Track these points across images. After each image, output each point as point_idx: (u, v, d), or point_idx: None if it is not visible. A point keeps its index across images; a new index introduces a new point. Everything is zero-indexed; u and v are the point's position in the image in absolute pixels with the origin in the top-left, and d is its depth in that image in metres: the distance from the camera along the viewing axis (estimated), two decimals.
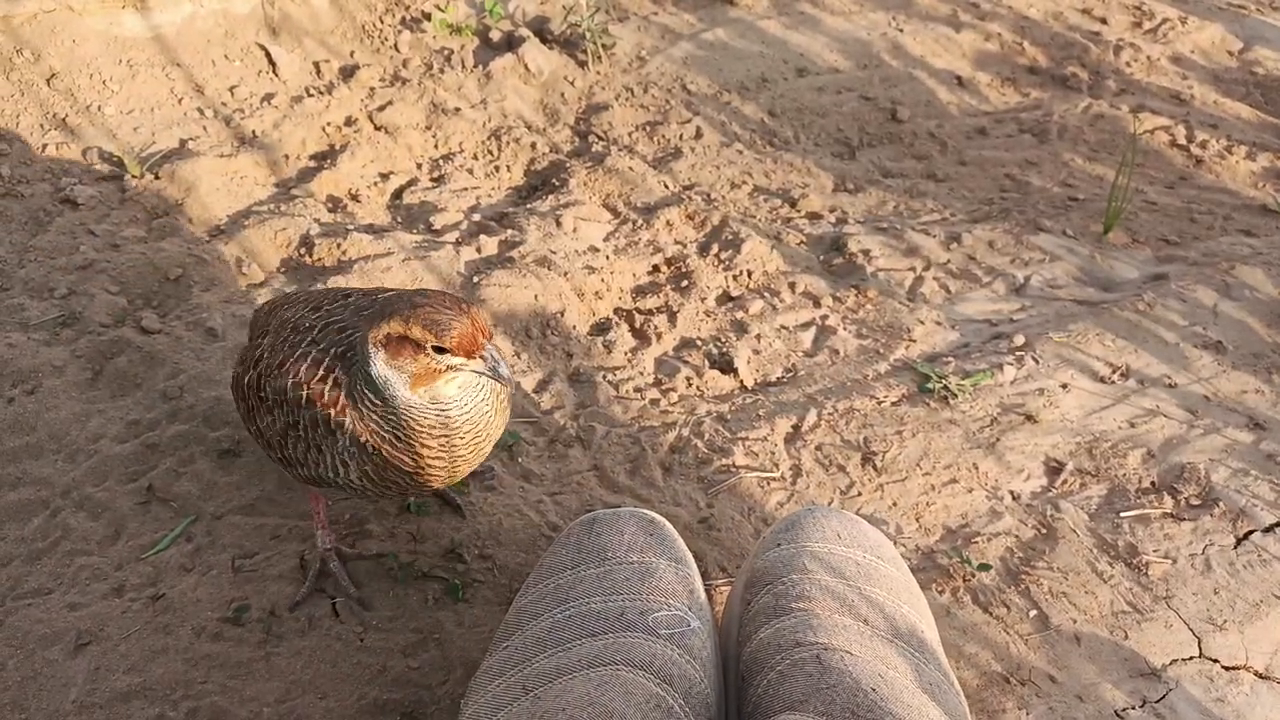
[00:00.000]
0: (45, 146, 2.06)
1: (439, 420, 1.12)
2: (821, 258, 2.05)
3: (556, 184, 2.19)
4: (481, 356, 1.08)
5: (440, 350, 1.06)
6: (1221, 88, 2.75)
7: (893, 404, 1.68)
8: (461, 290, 1.84)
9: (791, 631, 1.03)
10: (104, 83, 2.19)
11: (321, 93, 2.31)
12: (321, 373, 1.15)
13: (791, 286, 1.94)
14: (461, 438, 1.14)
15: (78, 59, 2.19)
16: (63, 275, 1.78)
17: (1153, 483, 1.57)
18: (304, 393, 1.15)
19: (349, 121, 2.27)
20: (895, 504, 1.51)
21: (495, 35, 2.57)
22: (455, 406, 1.12)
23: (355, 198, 2.11)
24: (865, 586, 1.11)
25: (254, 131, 2.18)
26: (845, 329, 1.85)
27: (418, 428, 1.12)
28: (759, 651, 1.03)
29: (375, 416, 1.12)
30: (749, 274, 1.97)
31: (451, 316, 1.05)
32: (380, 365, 1.09)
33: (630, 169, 2.23)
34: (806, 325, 1.86)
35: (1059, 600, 1.38)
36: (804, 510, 1.20)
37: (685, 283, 1.94)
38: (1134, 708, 1.27)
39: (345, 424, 1.14)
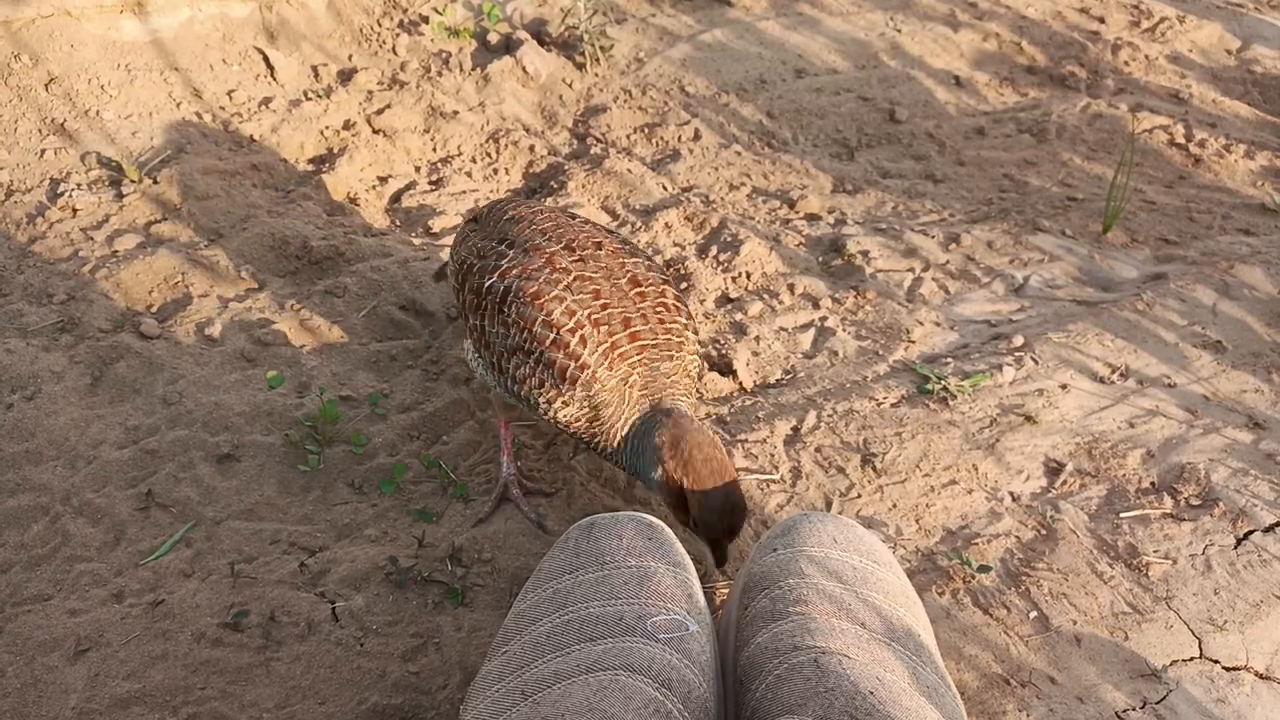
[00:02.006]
0: (43, 151, 2.06)
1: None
2: (820, 259, 2.05)
3: (555, 186, 2.19)
4: (715, 545, 1.27)
5: (695, 522, 1.25)
6: (1220, 86, 2.75)
7: (892, 405, 1.68)
8: None
9: (789, 635, 1.03)
10: (102, 87, 2.19)
11: (319, 96, 2.32)
12: (573, 324, 1.29)
13: (790, 288, 1.94)
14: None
15: (76, 64, 2.19)
16: (61, 281, 1.78)
17: (1152, 483, 1.57)
18: (551, 335, 1.29)
19: (347, 125, 2.27)
20: (895, 505, 1.51)
21: (493, 38, 2.57)
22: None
23: (354, 201, 2.11)
24: (862, 590, 1.11)
25: (252, 135, 2.18)
26: (844, 330, 1.85)
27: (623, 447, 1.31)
28: (756, 655, 1.03)
29: (609, 451, 1.33)
30: (748, 276, 1.97)
31: (720, 517, 1.22)
32: (654, 473, 1.27)
33: (629, 171, 2.23)
34: (805, 327, 1.86)
35: (1059, 601, 1.38)
36: (800, 515, 1.20)
37: (684, 285, 1.94)
38: (1135, 709, 1.27)
39: (580, 379, 1.29)
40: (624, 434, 1.30)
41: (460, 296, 1.43)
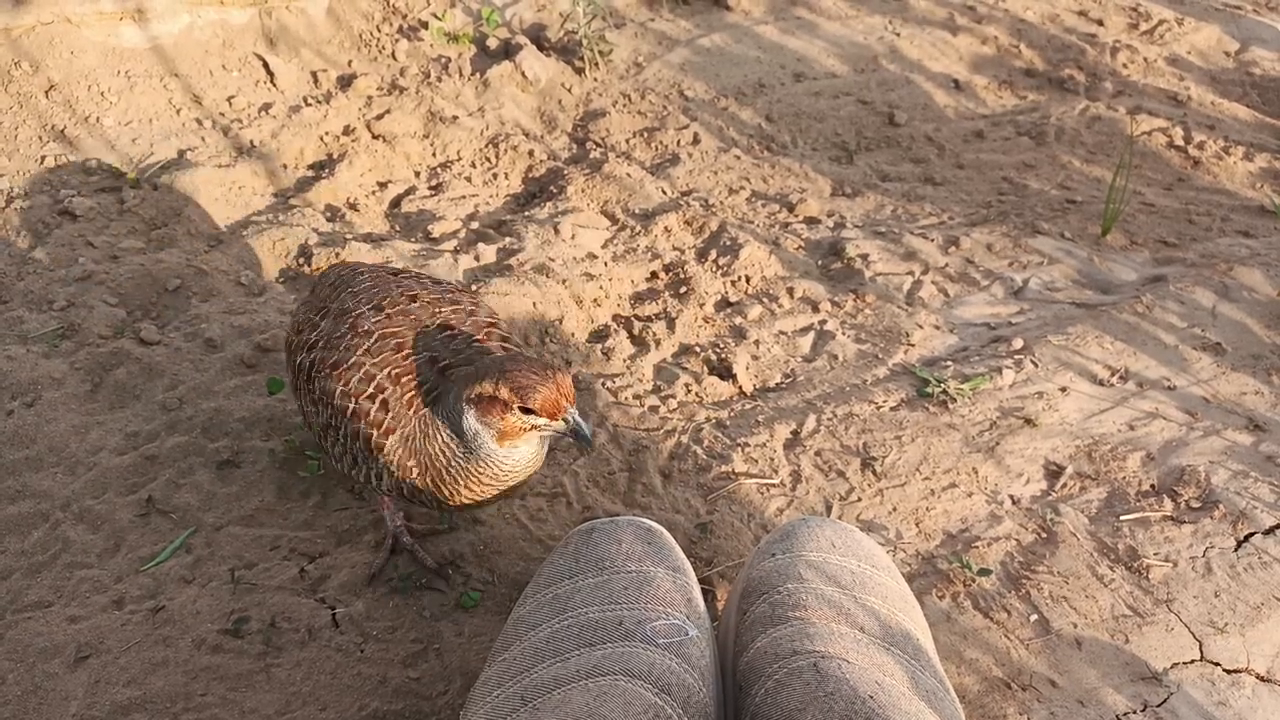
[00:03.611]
0: (44, 158, 2.07)
1: (510, 468, 1.20)
2: (820, 262, 2.05)
3: (554, 191, 2.19)
4: (564, 419, 1.17)
5: (526, 411, 1.15)
6: (1218, 88, 2.75)
7: (892, 409, 1.68)
8: None
9: (789, 640, 1.03)
10: (102, 94, 2.19)
11: (319, 102, 2.32)
12: (371, 390, 1.21)
13: (790, 292, 1.94)
14: (512, 483, 1.23)
15: (76, 70, 2.19)
16: (62, 287, 1.78)
17: (1152, 485, 1.57)
18: (351, 405, 1.22)
19: (347, 130, 2.28)
20: (895, 509, 1.51)
21: (492, 43, 2.57)
22: (530, 458, 1.22)
23: (354, 207, 2.11)
24: (861, 595, 1.11)
25: (252, 141, 2.19)
26: (844, 334, 1.85)
27: (488, 473, 1.20)
28: (756, 660, 1.03)
29: (447, 455, 1.19)
30: (747, 279, 1.97)
31: (538, 381, 1.14)
32: (471, 420, 1.17)
33: (628, 175, 2.23)
34: (805, 330, 1.86)
35: (1059, 604, 1.38)
36: (799, 520, 1.20)
37: (684, 289, 1.94)
38: (1135, 712, 1.27)
39: (385, 446, 1.21)
40: (440, 439, 1.20)
41: (289, 370, 1.36)
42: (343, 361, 1.23)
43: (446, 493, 1.21)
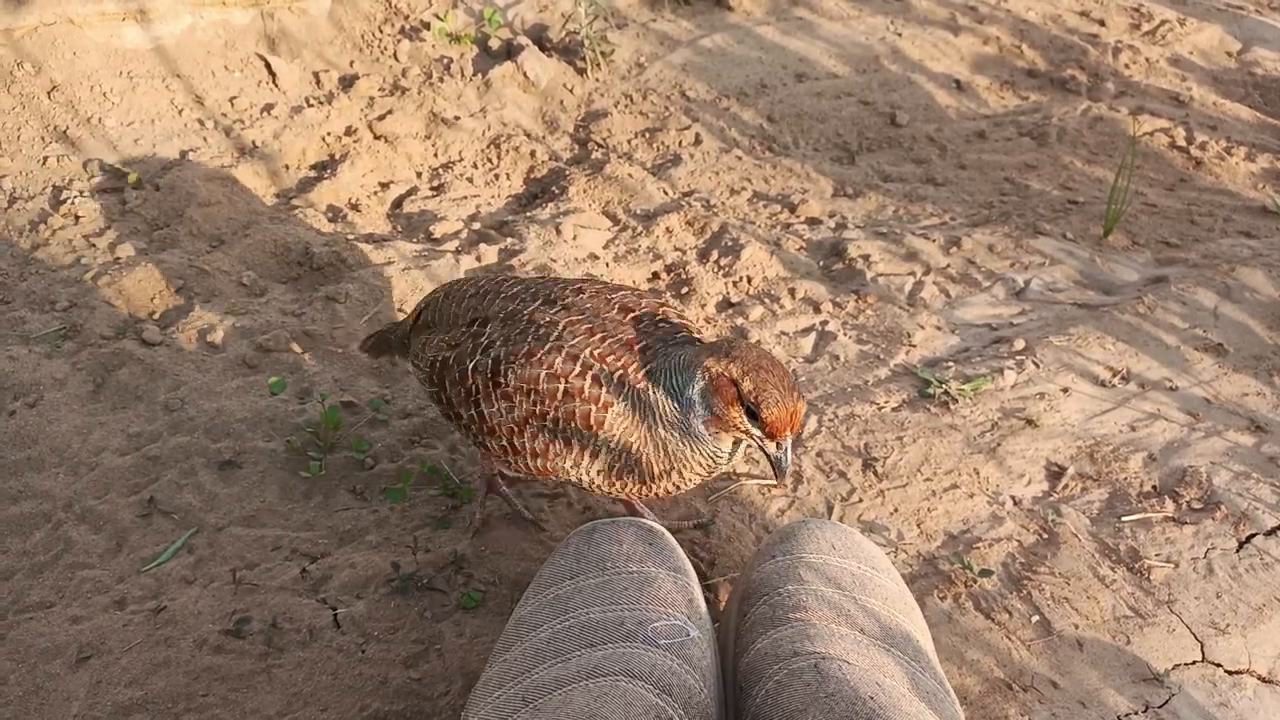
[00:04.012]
0: (46, 159, 2.07)
1: (699, 459, 1.19)
2: (821, 263, 2.05)
3: (556, 192, 2.19)
4: (778, 444, 1.14)
5: (753, 415, 1.13)
6: (1221, 89, 2.75)
7: (893, 409, 1.68)
8: None
9: (789, 641, 1.03)
10: (104, 95, 2.19)
11: (321, 103, 2.32)
12: (579, 368, 1.19)
13: (791, 292, 1.94)
14: (691, 480, 1.22)
15: (78, 71, 2.20)
16: (64, 288, 1.78)
17: (1154, 486, 1.56)
18: (561, 385, 1.19)
19: (349, 131, 2.28)
20: (896, 510, 1.51)
21: (494, 44, 2.57)
22: (723, 458, 1.20)
23: (355, 207, 2.11)
24: (861, 596, 1.11)
25: (254, 142, 2.19)
26: (845, 334, 1.85)
27: (690, 456, 1.19)
28: (756, 661, 1.03)
29: (660, 421, 1.18)
30: (749, 280, 1.97)
31: (781, 396, 1.11)
32: (697, 388, 1.15)
33: (629, 176, 2.23)
34: (806, 331, 1.86)
35: (1061, 605, 1.38)
36: (798, 522, 1.21)
37: (685, 289, 1.94)
38: (1137, 713, 1.26)
39: (606, 420, 1.18)
40: (656, 411, 1.18)
41: (443, 397, 1.30)
42: (538, 349, 1.21)
43: (653, 476, 1.20)
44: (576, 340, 1.21)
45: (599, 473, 1.22)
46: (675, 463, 1.19)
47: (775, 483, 1.24)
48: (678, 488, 1.22)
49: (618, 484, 1.23)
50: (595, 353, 1.20)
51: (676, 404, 1.17)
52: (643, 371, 1.19)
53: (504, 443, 1.25)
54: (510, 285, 1.33)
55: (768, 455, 1.16)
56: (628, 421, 1.18)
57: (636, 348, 1.20)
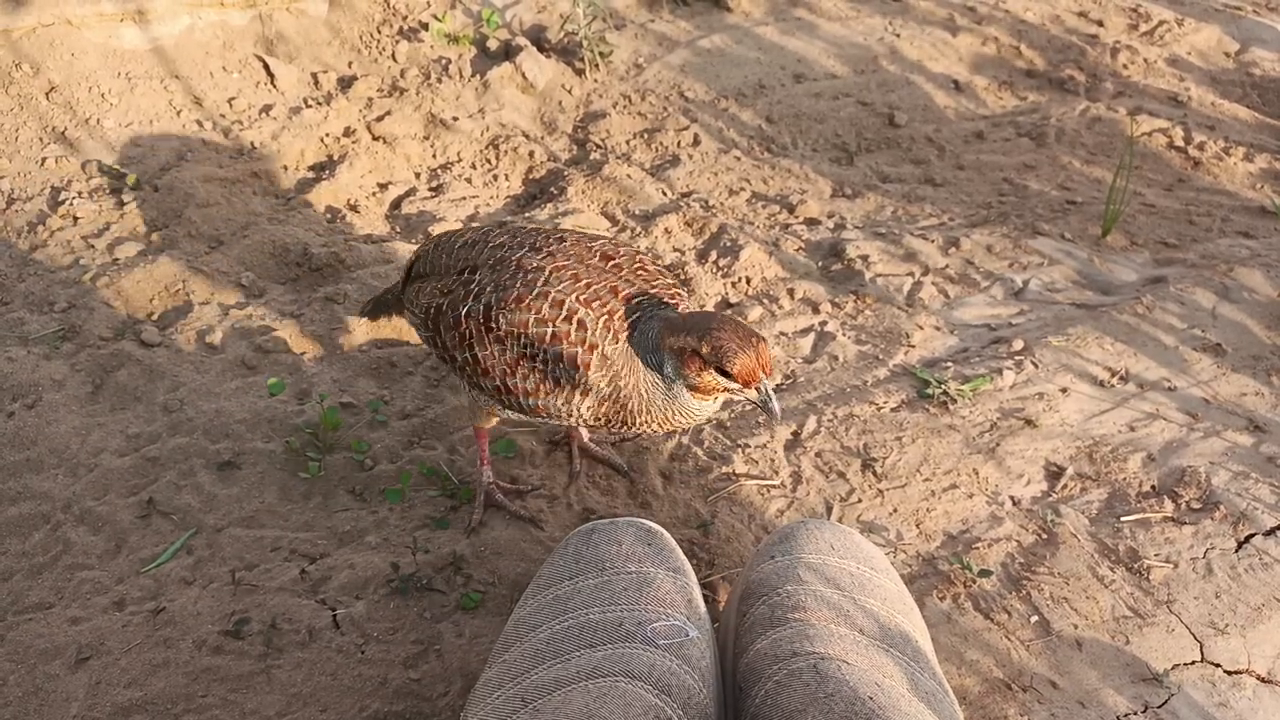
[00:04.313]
0: (44, 160, 2.07)
1: (694, 415, 1.29)
2: (820, 264, 2.05)
3: (555, 192, 2.19)
4: (757, 388, 1.21)
5: (724, 374, 1.20)
6: (1219, 89, 2.75)
7: (892, 410, 1.68)
8: None
9: (788, 641, 1.03)
10: (103, 96, 2.19)
11: (319, 104, 2.32)
12: (565, 313, 1.26)
13: (790, 293, 1.95)
14: (678, 426, 1.31)
15: (77, 72, 2.20)
16: (62, 289, 1.78)
17: (1153, 486, 1.57)
18: (549, 329, 1.26)
19: (347, 132, 2.28)
20: (895, 510, 1.51)
21: (492, 44, 2.57)
22: (714, 410, 1.31)
23: (354, 208, 2.11)
24: (860, 597, 1.11)
25: (252, 143, 2.19)
26: (844, 335, 1.85)
27: (677, 414, 1.28)
28: (756, 662, 1.03)
29: (643, 377, 1.26)
30: (747, 281, 1.97)
31: (739, 346, 1.19)
32: (671, 369, 1.24)
33: (628, 177, 2.23)
34: (805, 331, 1.86)
35: (1060, 605, 1.38)
36: (797, 523, 1.21)
37: (684, 290, 1.94)
38: (1136, 713, 1.27)
39: (592, 362, 1.25)
40: (641, 372, 1.26)
41: (439, 341, 1.37)
42: (526, 294, 1.28)
43: (638, 421, 1.28)
44: (563, 285, 1.28)
45: (588, 409, 1.29)
46: (658, 413, 1.28)
47: (768, 423, 1.33)
48: (659, 429, 1.31)
49: (603, 419, 1.30)
50: (580, 298, 1.26)
51: (659, 376, 1.26)
52: (626, 322, 1.26)
53: (497, 383, 1.31)
54: (496, 234, 1.39)
55: (753, 402, 1.23)
56: (613, 365, 1.26)
57: (620, 295, 1.28)
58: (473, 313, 1.31)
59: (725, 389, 1.23)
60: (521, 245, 1.35)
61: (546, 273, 1.29)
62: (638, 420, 1.29)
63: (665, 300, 1.29)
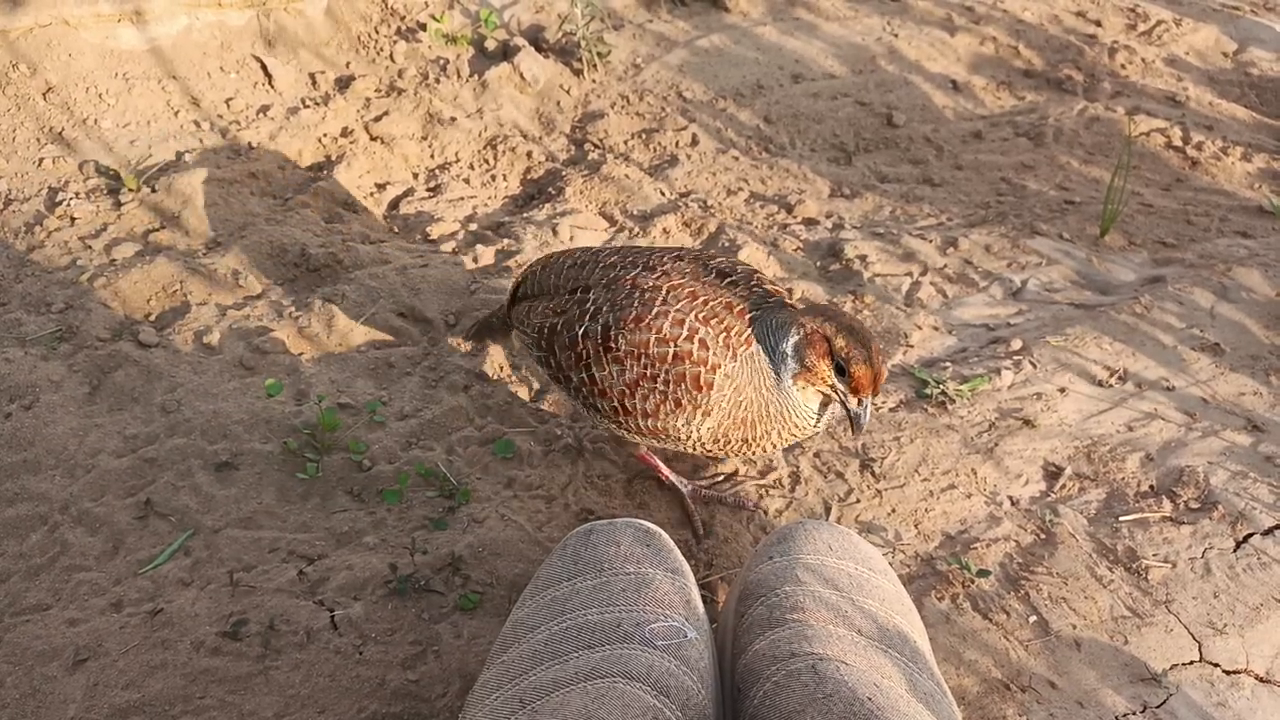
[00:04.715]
0: (42, 160, 2.07)
1: (793, 418, 1.28)
2: (818, 264, 2.05)
3: (553, 192, 2.19)
4: (860, 400, 1.23)
5: (840, 371, 1.22)
6: (1217, 89, 2.75)
7: (890, 410, 1.68)
8: (459, 298, 1.84)
9: (787, 642, 1.03)
10: (100, 96, 2.19)
11: (317, 104, 2.32)
12: (686, 332, 1.27)
13: (789, 293, 1.94)
14: (788, 439, 1.31)
15: (74, 73, 2.19)
16: (60, 290, 1.78)
17: (1151, 486, 1.57)
18: (671, 349, 1.27)
19: (345, 132, 2.28)
20: (894, 510, 1.51)
21: (490, 44, 2.57)
22: (812, 415, 1.29)
23: (352, 208, 2.11)
24: (858, 598, 1.11)
25: (250, 143, 2.19)
26: None
27: (779, 412, 1.28)
28: (754, 663, 1.03)
29: (762, 383, 1.27)
30: None
31: (868, 355, 1.20)
32: (791, 343, 1.24)
33: (626, 177, 2.23)
34: None
35: (1058, 605, 1.38)
36: (796, 523, 1.21)
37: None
38: (1135, 713, 1.27)
39: (715, 381, 1.26)
40: (758, 375, 1.27)
41: (553, 361, 1.38)
42: (646, 313, 1.28)
43: (757, 432, 1.29)
44: (680, 304, 1.28)
45: (708, 430, 1.29)
46: (774, 422, 1.28)
47: (853, 436, 1.36)
48: (775, 446, 1.32)
49: (722, 440, 1.30)
50: (700, 316, 1.27)
51: (770, 359, 1.25)
52: (745, 335, 1.26)
53: (615, 404, 1.32)
54: (606, 255, 1.40)
55: (848, 410, 1.24)
56: (735, 382, 1.26)
57: (736, 310, 1.28)
58: (590, 333, 1.31)
59: (832, 386, 1.23)
60: (635, 265, 1.35)
61: (664, 291, 1.29)
62: (756, 431, 1.29)
63: (784, 304, 1.30)
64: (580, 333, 1.32)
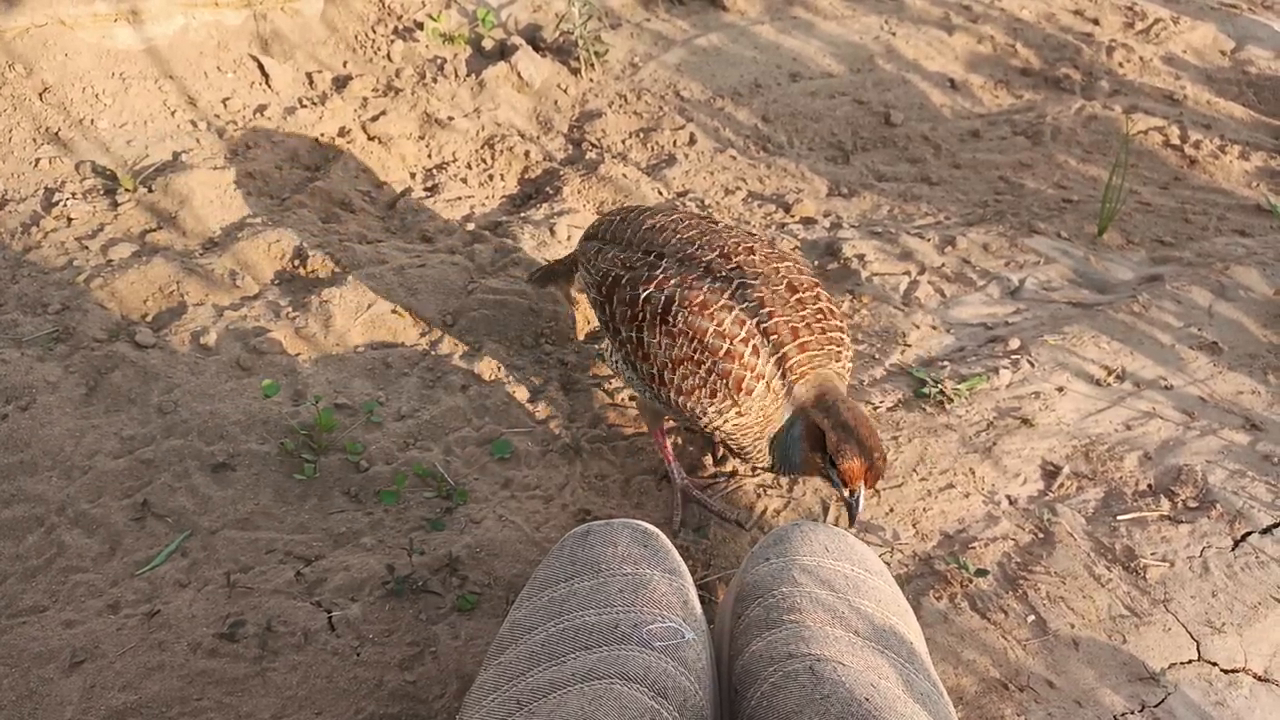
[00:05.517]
0: (38, 160, 2.06)
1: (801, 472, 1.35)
2: (816, 262, 2.05)
3: (550, 192, 2.19)
4: (851, 491, 1.28)
5: (833, 464, 1.27)
6: (1214, 87, 2.75)
7: (889, 409, 1.68)
8: (457, 298, 1.83)
9: (784, 643, 1.03)
10: (97, 96, 2.19)
11: (314, 104, 2.31)
12: (744, 334, 1.29)
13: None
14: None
15: (70, 73, 2.19)
16: (56, 290, 1.77)
17: (1149, 485, 1.57)
18: (725, 345, 1.29)
19: (342, 132, 2.27)
20: (892, 510, 1.51)
21: (488, 44, 2.57)
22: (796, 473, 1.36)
23: (349, 208, 2.11)
24: (854, 598, 1.11)
25: (247, 143, 2.18)
26: None
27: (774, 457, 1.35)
28: (751, 664, 1.03)
29: (775, 433, 1.33)
30: None
31: (856, 453, 1.24)
32: (798, 431, 1.30)
33: (624, 176, 2.23)
34: None
35: (1056, 605, 1.38)
36: (792, 525, 1.21)
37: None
38: (1133, 712, 1.26)
39: (755, 390, 1.29)
40: (781, 432, 1.32)
41: (608, 309, 1.41)
42: (712, 303, 1.31)
43: (756, 457, 1.35)
44: (748, 306, 1.31)
45: (733, 425, 1.32)
46: (769, 456, 1.35)
47: (848, 522, 1.37)
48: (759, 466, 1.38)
49: (738, 437, 1.34)
50: (763, 326, 1.29)
51: (785, 454, 1.33)
52: (790, 382, 1.29)
53: (654, 371, 1.35)
54: (685, 227, 1.43)
55: (843, 498, 1.30)
56: (760, 403, 1.30)
57: (798, 340, 1.30)
58: (652, 299, 1.34)
59: (825, 475, 1.29)
60: (712, 248, 1.37)
61: (734, 285, 1.32)
62: (763, 457, 1.35)
63: (835, 368, 1.34)
64: (643, 295, 1.34)
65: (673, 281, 1.33)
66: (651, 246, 1.41)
